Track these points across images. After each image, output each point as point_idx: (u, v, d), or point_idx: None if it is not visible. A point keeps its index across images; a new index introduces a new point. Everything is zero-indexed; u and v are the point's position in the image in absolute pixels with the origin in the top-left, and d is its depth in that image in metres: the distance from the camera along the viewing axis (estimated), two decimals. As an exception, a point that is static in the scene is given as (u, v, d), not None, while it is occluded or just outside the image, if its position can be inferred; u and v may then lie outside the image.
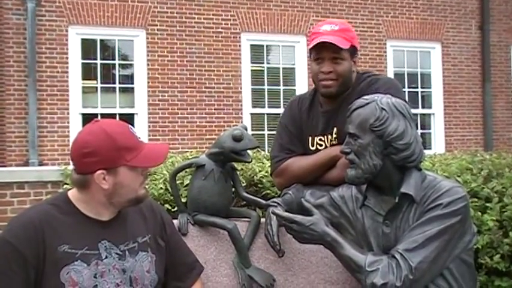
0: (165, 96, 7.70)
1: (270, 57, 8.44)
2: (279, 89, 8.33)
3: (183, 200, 2.19)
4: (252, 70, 8.21)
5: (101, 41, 7.60)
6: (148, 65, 7.66)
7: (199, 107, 7.85)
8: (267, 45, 8.35)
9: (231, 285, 2.05)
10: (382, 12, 8.80)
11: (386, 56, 8.81)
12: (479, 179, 2.49)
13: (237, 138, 2.01)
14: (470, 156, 3.10)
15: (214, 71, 7.93)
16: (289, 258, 2.08)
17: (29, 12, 7.03)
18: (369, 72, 2.22)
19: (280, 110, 8.06)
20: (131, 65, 7.75)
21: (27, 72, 7.05)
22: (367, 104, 1.75)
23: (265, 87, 8.28)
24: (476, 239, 1.81)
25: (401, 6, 8.92)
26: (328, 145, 2.13)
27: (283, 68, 8.39)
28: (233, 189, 2.15)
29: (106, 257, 1.63)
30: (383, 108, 1.72)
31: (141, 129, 7.42)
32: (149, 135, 7.55)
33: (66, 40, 7.32)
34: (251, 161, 2.11)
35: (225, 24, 8.00)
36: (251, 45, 8.21)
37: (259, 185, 2.60)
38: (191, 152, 3.92)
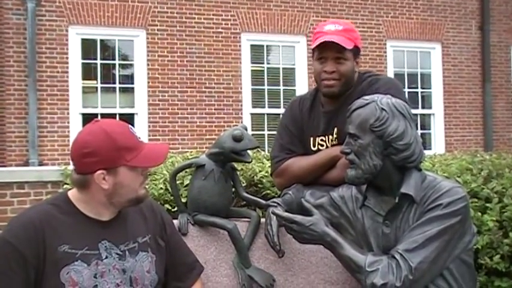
0: (165, 96, 7.70)
1: (270, 58, 8.44)
2: (279, 89, 8.33)
3: (183, 200, 2.19)
4: (252, 70, 8.21)
5: (101, 41, 7.60)
6: (148, 65, 7.66)
7: (199, 107, 7.85)
8: (267, 46, 8.35)
9: (231, 285, 2.05)
10: (382, 12, 8.80)
11: (386, 56, 8.81)
12: (479, 180, 2.49)
13: (237, 139, 2.01)
14: (470, 156, 3.10)
15: (214, 71, 7.93)
16: (289, 258, 2.08)
17: (29, 12, 7.03)
18: (370, 72, 2.22)
19: (280, 110, 8.06)
20: (131, 65, 7.75)
21: (27, 72, 7.05)
22: (367, 104, 1.75)
23: (265, 87, 8.28)
24: (476, 239, 1.81)
25: (401, 6, 8.92)
26: (329, 145, 2.13)
27: (283, 68, 8.39)
28: (233, 189, 2.15)
29: (106, 257, 1.63)
30: (383, 109, 1.72)
31: (141, 129, 7.42)
32: (149, 135, 7.55)
33: (66, 40, 7.32)
34: (251, 161, 2.11)
35: (225, 24, 8.00)
36: (251, 45, 8.21)
37: (259, 185, 2.60)
38: (191, 152, 3.92)
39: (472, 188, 2.43)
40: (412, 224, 1.71)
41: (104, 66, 7.61)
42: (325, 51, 2.07)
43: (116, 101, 7.63)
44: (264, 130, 8.16)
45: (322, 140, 2.15)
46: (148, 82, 7.65)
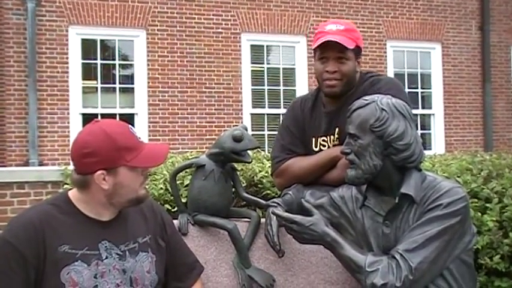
0: (165, 96, 7.70)
1: (270, 58, 8.44)
2: (279, 90, 8.33)
3: (183, 200, 2.20)
4: (252, 70, 8.21)
5: (101, 41, 7.60)
6: (148, 65, 7.66)
7: (199, 107, 7.85)
8: (267, 46, 8.35)
9: (231, 285, 2.05)
10: (382, 12, 8.80)
11: (386, 56, 8.81)
12: (479, 180, 2.49)
13: (237, 139, 2.02)
14: (470, 156, 3.10)
15: (214, 71, 7.93)
16: (289, 258, 2.08)
17: (29, 12, 7.04)
18: (372, 72, 2.21)
19: (280, 111, 8.07)
20: (131, 65, 7.75)
21: (28, 72, 7.05)
22: (367, 104, 1.75)
23: (265, 87, 8.28)
24: (476, 239, 1.81)
25: (401, 6, 8.93)
26: (331, 145, 2.13)
27: (283, 69, 8.39)
28: (233, 189, 2.15)
29: (106, 257, 1.63)
30: (383, 109, 1.72)
31: (141, 130, 7.42)
32: (149, 136, 7.55)
33: (67, 40, 7.32)
34: (251, 161, 2.11)
35: (225, 24, 8.00)
36: (251, 45, 8.21)
37: (259, 186, 2.60)
38: (191, 152, 3.92)
39: (472, 188, 2.43)
40: (412, 224, 1.71)
41: (104, 66, 7.61)
42: (326, 51, 2.07)
43: (116, 101, 7.64)
44: (264, 130, 8.16)
45: (324, 140, 2.15)
46: (148, 82, 7.65)
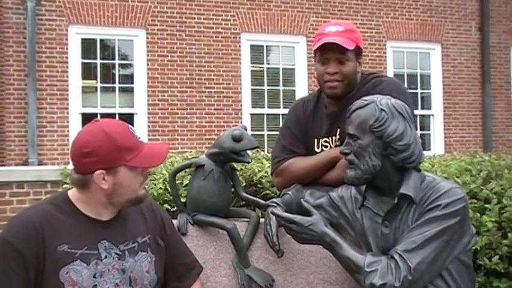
0: (164, 96, 7.70)
1: (270, 58, 8.44)
2: (279, 90, 8.33)
3: (183, 200, 2.20)
4: (251, 70, 8.22)
5: (101, 40, 7.60)
6: (148, 65, 7.66)
7: (199, 107, 7.85)
8: (266, 46, 8.35)
9: (230, 285, 2.05)
10: (382, 13, 8.80)
11: (386, 57, 8.82)
12: (478, 180, 2.50)
13: (237, 139, 2.02)
14: (469, 157, 3.10)
15: (214, 71, 7.93)
16: (289, 258, 2.08)
17: (29, 11, 7.04)
18: (374, 73, 2.21)
19: (280, 111, 8.08)
20: (131, 64, 7.75)
21: (27, 72, 7.05)
22: (367, 104, 1.76)
23: (265, 87, 8.29)
24: (475, 240, 1.81)
25: (401, 7, 8.93)
26: (333, 146, 2.13)
27: (283, 69, 8.39)
28: (232, 189, 2.15)
29: (106, 257, 1.64)
30: (382, 109, 1.73)
31: (140, 129, 7.42)
32: (149, 135, 7.55)
33: (66, 39, 7.32)
34: (251, 161, 2.11)
35: (225, 24, 8.00)
36: (251, 45, 8.21)
37: (258, 185, 2.61)
38: (191, 152, 3.92)
39: (471, 189, 2.43)
40: (411, 224, 1.71)
41: (104, 66, 7.61)
42: (326, 52, 2.07)
43: (115, 100, 7.63)
44: (263, 130, 8.16)
45: (325, 141, 2.16)
46: (148, 82, 7.65)
